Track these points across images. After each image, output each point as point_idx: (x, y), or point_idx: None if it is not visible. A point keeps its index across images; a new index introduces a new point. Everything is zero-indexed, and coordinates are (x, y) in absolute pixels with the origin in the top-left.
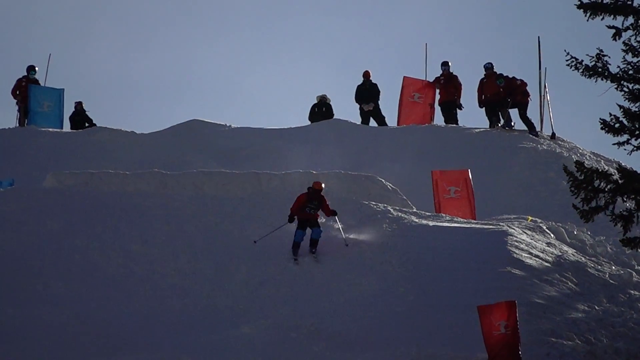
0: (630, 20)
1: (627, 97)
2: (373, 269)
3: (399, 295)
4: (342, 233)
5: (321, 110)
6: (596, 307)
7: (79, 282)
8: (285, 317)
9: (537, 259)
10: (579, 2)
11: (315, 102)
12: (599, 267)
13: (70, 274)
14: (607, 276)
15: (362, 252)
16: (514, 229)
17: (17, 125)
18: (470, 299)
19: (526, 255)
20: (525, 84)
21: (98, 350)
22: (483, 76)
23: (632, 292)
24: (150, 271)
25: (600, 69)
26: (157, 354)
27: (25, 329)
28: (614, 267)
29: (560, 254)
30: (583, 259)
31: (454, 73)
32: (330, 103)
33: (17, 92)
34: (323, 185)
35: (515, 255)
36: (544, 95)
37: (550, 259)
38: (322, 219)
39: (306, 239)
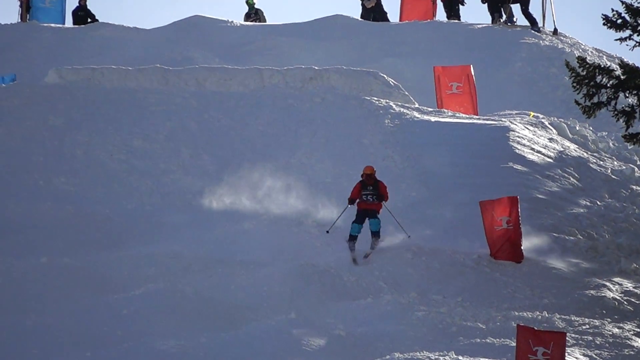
0: None
1: None
2: (375, 165)
3: (401, 191)
4: (402, 227)
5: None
6: (598, 203)
7: (80, 177)
8: (287, 210)
9: (539, 155)
10: None
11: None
12: (601, 162)
13: (72, 169)
14: (609, 172)
15: (364, 148)
16: (516, 124)
17: (19, 20)
18: (472, 194)
19: (528, 150)
20: None
21: (100, 244)
22: None
23: (634, 187)
24: (152, 167)
25: None
26: (158, 248)
27: (26, 224)
28: (616, 163)
29: (562, 149)
30: (585, 154)
31: None
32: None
33: None
34: (374, 168)
35: (517, 150)
36: None
37: (552, 154)
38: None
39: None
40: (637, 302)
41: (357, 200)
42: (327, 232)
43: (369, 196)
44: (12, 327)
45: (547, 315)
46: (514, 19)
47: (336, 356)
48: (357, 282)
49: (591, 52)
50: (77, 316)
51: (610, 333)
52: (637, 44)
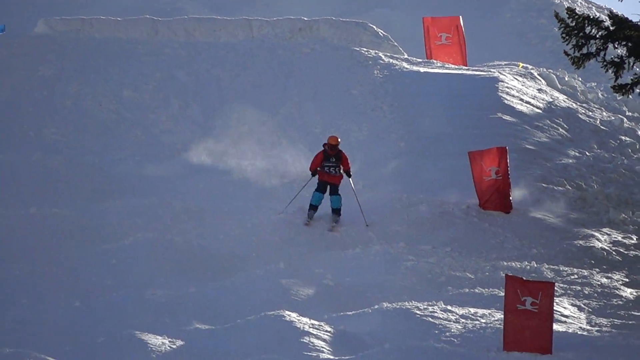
0: None
1: None
2: (364, 115)
3: (390, 142)
4: (362, 213)
5: None
6: (587, 153)
7: (70, 128)
8: (276, 160)
9: (528, 105)
10: None
11: None
12: (590, 113)
13: (62, 120)
14: (598, 122)
15: (353, 99)
16: (505, 75)
17: None
18: (460, 145)
19: (517, 101)
20: None
21: (89, 194)
22: None
23: (623, 138)
24: (142, 117)
25: None
26: (147, 198)
27: (16, 174)
28: (604, 113)
29: (551, 100)
30: (574, 105)
31: None
32: None
33: None
34: (339, 139)
35: (506, 101)
36: None
37: (541, 105)
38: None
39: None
40: (626, 252)
41: (319, 170)
42: (280, 214)
43: (331, 168)
44: (1, 276)
45: (535, 265)
46: None
47: (325, 306)
48: (346, 232)
49: (580, 3)
50: (66, 266)
51: (599, 283)
52: None
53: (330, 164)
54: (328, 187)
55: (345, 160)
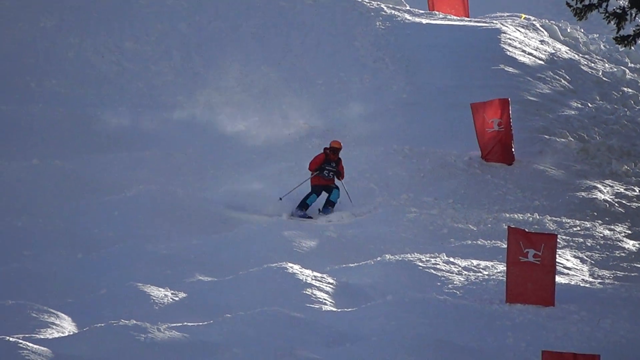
0: None
1: None
2: (366, 67)
3: (392, 93)
4: (348, 195)
5: None
6: (589, 105)
7: (72, 79)
8: (278, 112)
9: (530, 57)
10: None
11: None
12: (592, 64)
13: (63, 71)
14: (600, 74)
15: (355, 50)
16: (507, 26)
17: None
18: (463, 96)
19: (519, 52)
20: None
21: (91, 146)
22: None
23: (625, 89)
24: (144, 68)
25: None
26: (149, 150)
27: (18, 126)
28: (607, 65)
29: (553, 51)
30: (576, 56)
31: None
32: None
33: None
34: (342, 143)
35: (508, 53)
36: None
37: (543, 56)
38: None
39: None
40: (628, 204)
41: (316, 174)
42: (280, 199)
43: (330, 173)
44: (3, 229)
45: (538, 217)
46: None
47: (327, 258)
48: (348, 186)
49: None
50: (68, 218)
51: (601, 235)
52: None
53: (330, 168)
54: (325, 188)
55: (342, 170)
